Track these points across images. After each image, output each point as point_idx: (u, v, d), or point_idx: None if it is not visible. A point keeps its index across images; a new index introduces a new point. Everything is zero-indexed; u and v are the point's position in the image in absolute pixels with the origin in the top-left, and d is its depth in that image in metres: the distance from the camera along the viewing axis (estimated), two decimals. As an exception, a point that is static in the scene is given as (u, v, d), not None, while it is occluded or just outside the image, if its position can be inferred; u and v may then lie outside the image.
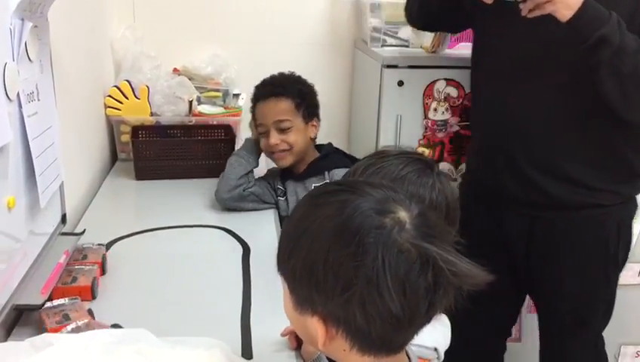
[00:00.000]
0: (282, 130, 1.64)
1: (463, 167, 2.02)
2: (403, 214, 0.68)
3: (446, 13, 1.69)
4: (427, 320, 0.69)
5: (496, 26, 1.54)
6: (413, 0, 1.76)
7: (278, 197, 1.72)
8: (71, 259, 1.25)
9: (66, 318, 1.05)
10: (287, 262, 0.71)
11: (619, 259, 1.62)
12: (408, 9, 1.80)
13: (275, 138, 1.64)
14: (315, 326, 0.70)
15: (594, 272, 1.61)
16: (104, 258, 1.30)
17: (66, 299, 1.10)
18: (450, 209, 0.99)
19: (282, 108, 1.65)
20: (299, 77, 1.73)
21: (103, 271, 1.29)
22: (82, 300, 1.12)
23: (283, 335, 1.08)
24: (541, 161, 1.54)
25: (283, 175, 1.74)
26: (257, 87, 1.72)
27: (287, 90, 1.66)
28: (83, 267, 1.23)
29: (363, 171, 0.98)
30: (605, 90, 1.38)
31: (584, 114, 1.46)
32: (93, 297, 1.19)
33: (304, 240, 0.69)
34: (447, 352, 2.04)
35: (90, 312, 1.10)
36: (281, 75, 1.73)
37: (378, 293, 0.64)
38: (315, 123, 1.72)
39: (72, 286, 1.17)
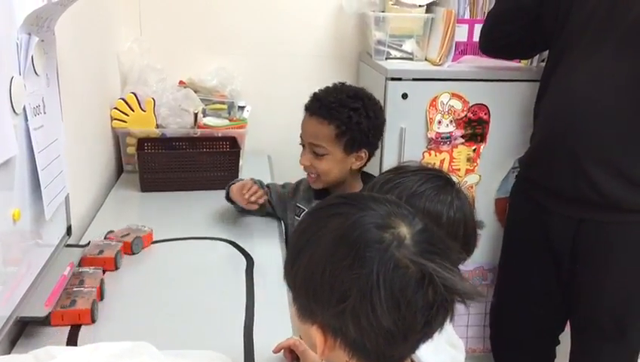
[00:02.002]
0: (316, 154, 1.48)
1: (467, 179, 2.02)
2: (404, 230, 0.68)
3: (523, 34, 1.72)
4: (424, 335, 0.69)
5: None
6: (490, 25, 1.79)
7: (296, 216, 1.62)
8: (105, 236, 1.47)
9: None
10: (291, 271, 0.73)
11: None
12: (482, 35, 1.84)
13: (305, 159, 1.50)
14: (315, 335, 0.71)
15: (638, 280, 1.60)
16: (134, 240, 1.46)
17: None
18: (468, 226, 0.98)
19: (320, 133, 1.45)
20: (355, 96, 1.46)
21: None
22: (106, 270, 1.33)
23: (275, 352, 1.07)
24: (600, 154, 1.51)
25: (315, 195, 1.58)
26: (313, 95, 1.51)
27: (333, 115, 1.43)
28: (110, 242, 1.43)
29: (381, 186, 0.98)
30: None
31: None
32: (116, 268, 1.37)
33: (306, 251, 0.71)
34: (497, 354, 1.98)
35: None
36: (338, 90, 1.48)
37: (371, 307, 0.64)
38: (362, 154, 1.48)
39: (98, 257, 1.35)
